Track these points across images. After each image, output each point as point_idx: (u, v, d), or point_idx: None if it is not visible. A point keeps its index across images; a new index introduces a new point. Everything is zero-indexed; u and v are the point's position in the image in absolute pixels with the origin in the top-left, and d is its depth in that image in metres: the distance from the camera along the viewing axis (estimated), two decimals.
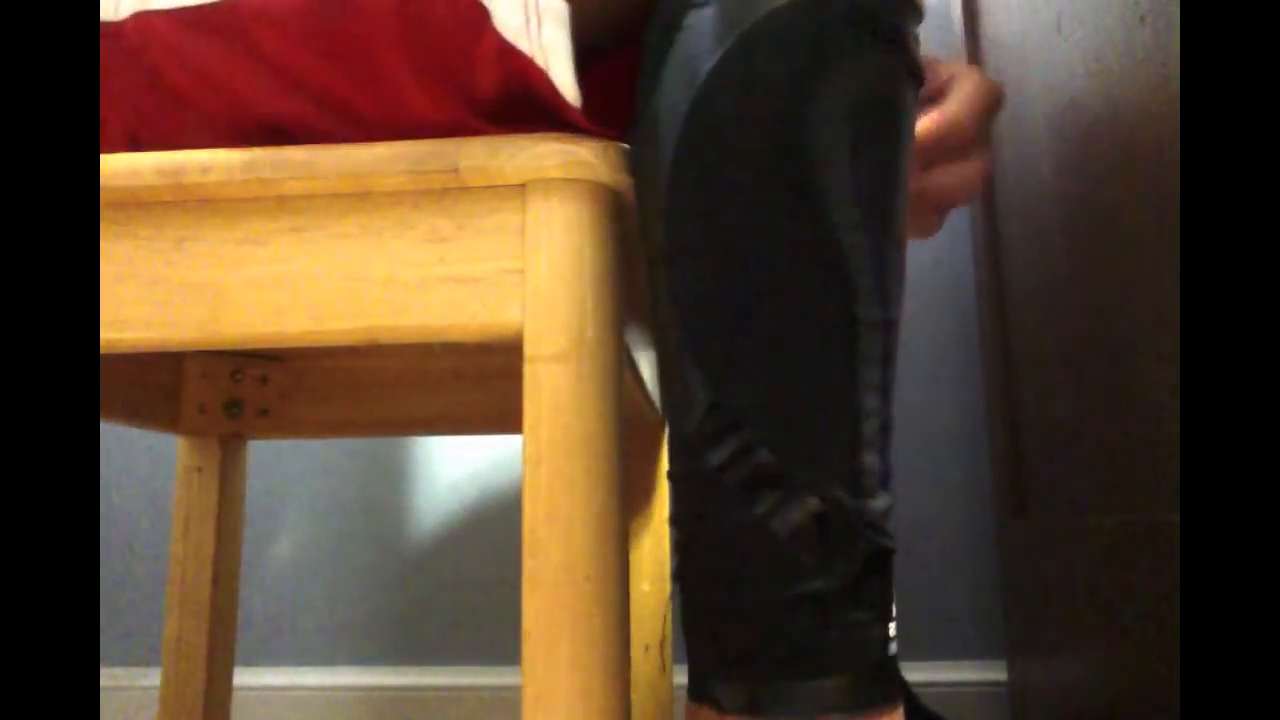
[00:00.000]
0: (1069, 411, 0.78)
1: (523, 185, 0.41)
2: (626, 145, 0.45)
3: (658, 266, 0.43)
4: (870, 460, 0.42)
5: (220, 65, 0.43)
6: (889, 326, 0.43)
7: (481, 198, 0.41)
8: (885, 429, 0.43)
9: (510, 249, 0.40)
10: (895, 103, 0.43)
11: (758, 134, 0.40)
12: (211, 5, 0.43)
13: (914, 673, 1.02)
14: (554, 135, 0.40)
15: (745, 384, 0.41)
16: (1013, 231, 0.94)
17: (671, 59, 0.42)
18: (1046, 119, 0.82)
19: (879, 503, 0.42)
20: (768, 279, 0.40)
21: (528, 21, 0.41)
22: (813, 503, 0.40)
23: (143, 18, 0.44)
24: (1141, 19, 0.62)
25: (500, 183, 0.40)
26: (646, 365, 0.68)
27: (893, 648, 0.41)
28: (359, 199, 0.41)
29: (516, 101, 0.42)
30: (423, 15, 0.42)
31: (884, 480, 0.43)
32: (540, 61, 0.41)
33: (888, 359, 0.43)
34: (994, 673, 1.02)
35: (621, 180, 0.41)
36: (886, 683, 0.40)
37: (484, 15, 0.41)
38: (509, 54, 0.41)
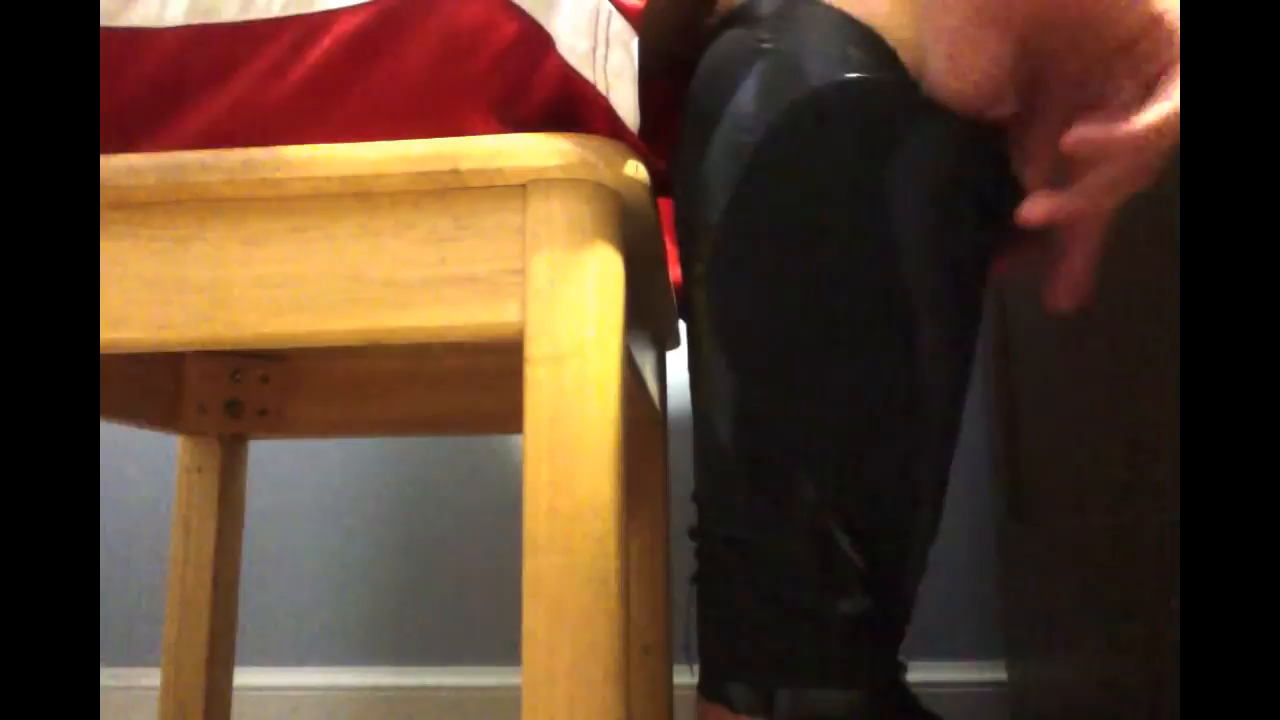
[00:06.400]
0: (1069, 412, 0.78)
1: (523, 185, 0.41)
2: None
3: (697, 290, 0.43)
4: (922, 516, 0.42)
5: (275, 83, 0.43)
6: (955, 399, 0.43)
7: (482, 198, 0.41)
8: (942, 483, 0.44)
9: (510, 249, 0.40)
10: (977, 184, 0.42)
11: (822, 194, 0.41)
12: (273, 21, 0.43)
13: (914, 673, 1.02)
14: (555, 135, 0.40)
15: (792, 416, 0.41)
16: None
17: (723, 113, 0.42)
18: None
19: (917, 551, 0.43)
20: (829, 327, 0.41)
21: (595, 49, 0.41)
22: (846, 542, 0.40)
23: (197, 29, 0.43)
24: None
25: (500, 183, 0.40)
26: (647, 365, 0.68)
27: (903, 671, 0.42)
28: (359, 199, 0.41)
29: (569, 126, 0.43)
30: (489, 42, 0.41)
31: (929, 535, 0.43)
32: (603, 88, 0.41)
33: (950, 428, 0.43)
34: (994, 673, 1.02)
35: (623, 180, 0.41)
36: (894, 704, 0.41)
37: (547, 40, 0.41)
38: (570, 79, 0.41)
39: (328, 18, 0.42)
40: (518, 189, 0.41)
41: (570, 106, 0.42)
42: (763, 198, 0.41)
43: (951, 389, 0.43)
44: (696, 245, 0.44)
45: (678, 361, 1.11)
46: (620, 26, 0.42)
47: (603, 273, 0.40)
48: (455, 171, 0.40)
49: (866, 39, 0.41)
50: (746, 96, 0.42)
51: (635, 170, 0.42)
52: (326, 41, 0.42)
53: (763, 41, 0.42)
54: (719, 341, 0.42)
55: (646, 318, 0.66)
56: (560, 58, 0.41)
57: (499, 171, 0.40)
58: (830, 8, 0.42)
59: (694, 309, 0.45)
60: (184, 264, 0.41)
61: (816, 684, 0.40)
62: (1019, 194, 0.43)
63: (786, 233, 0.41)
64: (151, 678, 1.11)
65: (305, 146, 0.41)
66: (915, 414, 0.41)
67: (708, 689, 0.43)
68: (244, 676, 1.09)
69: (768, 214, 0.41)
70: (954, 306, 0.42)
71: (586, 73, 0.41)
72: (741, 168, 0.41)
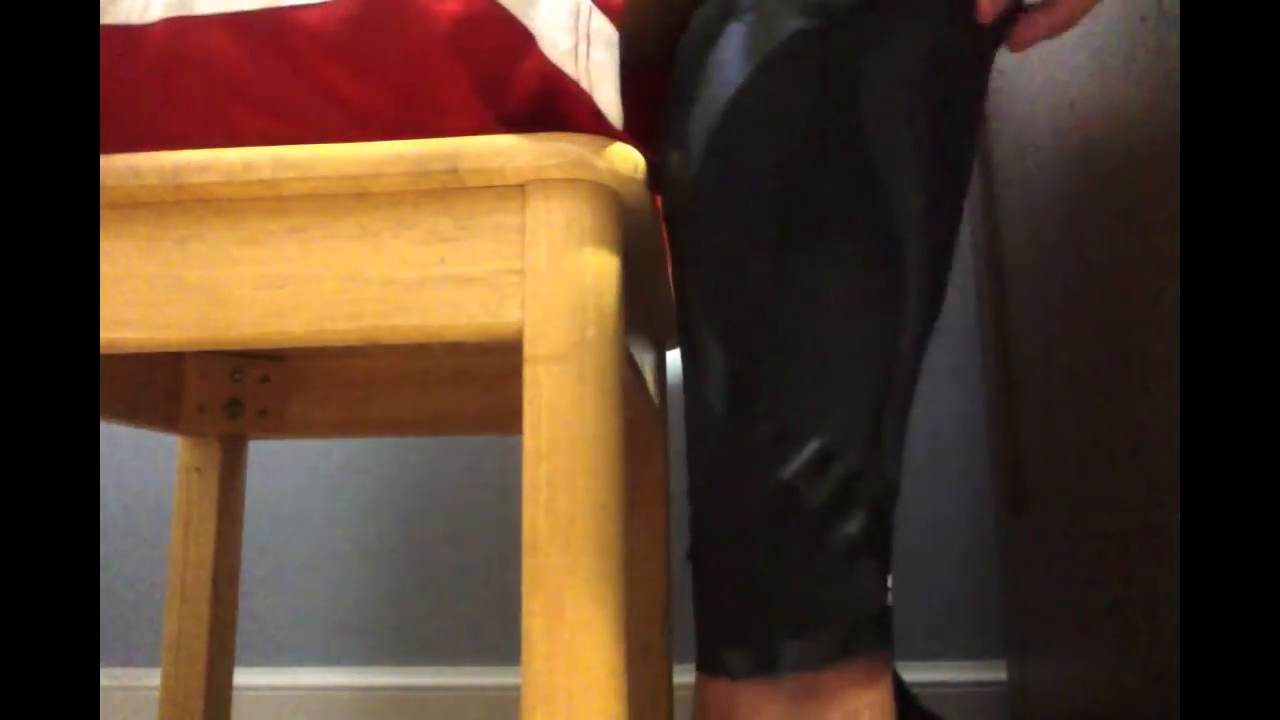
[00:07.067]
0: (1069, 411, 0.78)
1: (523, 185, 0.41)
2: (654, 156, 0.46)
3: (682, 253, 0.44)
4: (892, 422, 0.43)
5: (257, 76, 0.43)
6: (933, 301, 0.44)
7: (481, 198, 0.41)
8: (910, 390, 0.45)
9: (510, 249, 0.40)
10: (954, 92, 0.44)
11: (788, 144, 0.42)
12: (251, 13, 0.43)
13: (914, 673, 1.02)
14: (554, 135, 0.40)
15: (766, 353, 0.42)
16: (1012, 231, 0.94)
17: (703, 73, 0.43)
18: (1047, 118, 0.82)
19: (893, 460, 0.43)
20: (804, 271, 0.42)
21: (576, 46, 0.41)
22: (840, 467, 0.41)
23: (175, 23, 0.43)
24: (1142, 18, 0.62)
25: (500, 183, 0.40)
26: (647, 365, 0.68)
27: (889, 598, 0.43)
28: (359, 199, 0.41)
29: (554, 124, 0.43)
30: (468, 38, 0.42)
31: (899, 440, 0.44)
32: (585, 85, 0.41)
33: (921, 342, 0.44)
34: (994, 673, 1.02)
35: (622, 180, 0.41)
36: (885, 629, 0.42)
37: (528, 38, 0.41)
38: (552, 76, 0.41)
39: (306, 13, 0.42)
40: (516, 189, 0.41)
41: (554, 103, 0.42)
42: (736, 152, 0.43)
43: (929, 308, 0.44)
44: (676, 206, 0.45)
45: (678, 361, 1.11)
46: (601, 23, 0.42)
47: (602, 272, 0.40)
48: (454, 171, 0.40)
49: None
50: (724, 57, 0.43)
51: (634, 169, 0.42)
52: (305, 38, 0.42)
53: (740, 9, 0.43)
54: (702, 306, 0.43)
55: (646, 317, 0.66)
56: (542, 55, 0.41)
57: (498, 171, 0.40)
58: None
59: (679, 280, 0.45)
60: (183, 264, 0.41)
61: (813, 628, 0.41)
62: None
63: (760, 187, 0.42)
64: (151, 678, 1.11)
65: (304, 146, 0.41)
66: (899, 343, 0.43)
67: (706, 665, 0.43)
68: (244, 676, 1.09)
69: (741, 170, 0.42)
70: (937, 223, 0.44)
71: (569, 70, 0.41)
72: (717, 118, 0.42)
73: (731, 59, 0.43)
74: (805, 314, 0.42)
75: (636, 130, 0.54)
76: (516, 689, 1.05)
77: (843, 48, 0.42)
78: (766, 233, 0.42)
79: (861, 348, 0.42)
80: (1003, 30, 0.46)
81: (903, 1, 0.42)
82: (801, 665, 0.41)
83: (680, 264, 0.46)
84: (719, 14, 0.44)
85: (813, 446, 0.41)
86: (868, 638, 0.41)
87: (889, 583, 0.44)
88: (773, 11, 0.43)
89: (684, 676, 1.04)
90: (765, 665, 0.41)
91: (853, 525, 0.41)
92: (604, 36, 0.42)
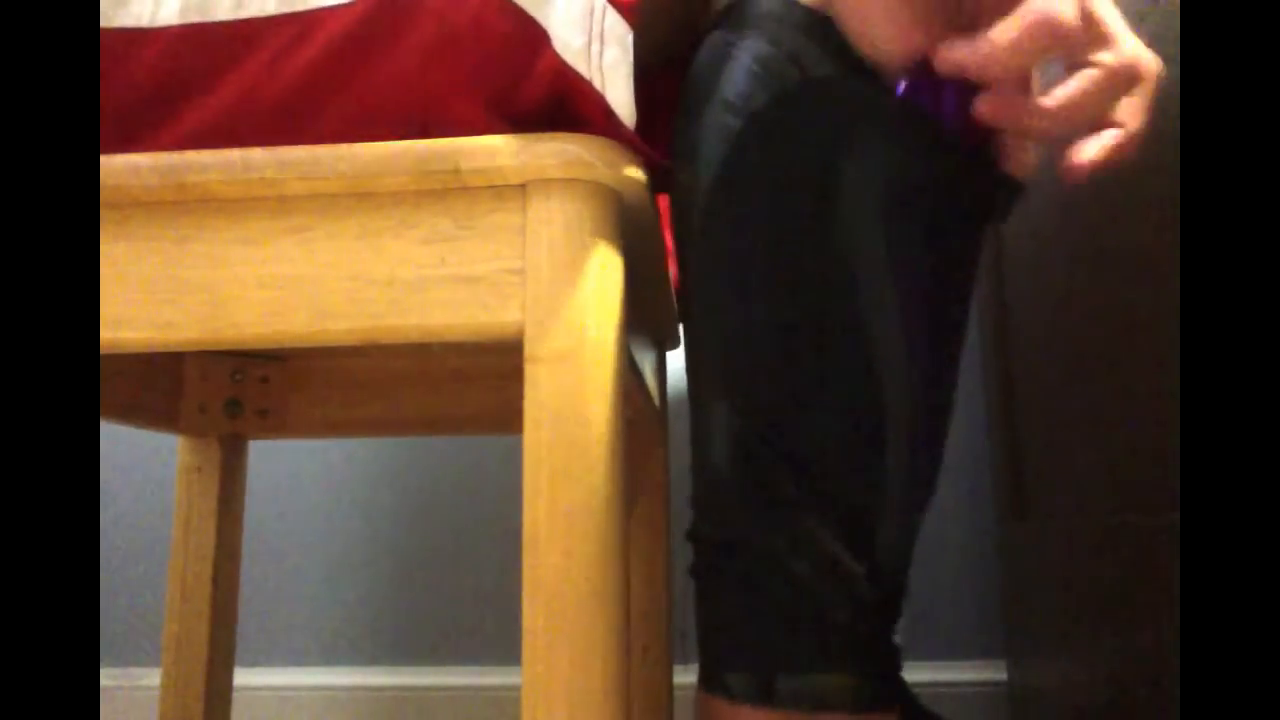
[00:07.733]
0: (1069, 412, 0.78)
1: (523, 185, 0.41)
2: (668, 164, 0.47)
3: (689, 289, 0.44)
4: (888, 527, 0.43)
5: (266, 79, 0.43)
6: (927, 388, 0.43)
7: (482, 198, 0.41)
8: (917, 495, 0.44)
9: (511, 249, 0.40)
10: (939, 196, 0.43)
11: (785, 180, 0.42)
12: (263, 18, 0.43)
13: (914, 673, 1.02)
14: (555, 135, 0.40)
15: (769, 415, 0.42)
16: (1012, 231, 0.94)
17: (715, 93, 0.43)
18: None
19: (893, 569, 0.43)
20: (786, 319, 0.42)
21: (590, 44, 0.41)
22: (825, 538, 0.41)
23: (191, 28, 0.43)
24: (1141, 18, 0.62)
25: (501, 183, 0.40)
26: (647, 365, 0.68)
27: (898, 652, 0.43)
28: (359, 199, 0.41)
29: (565, 123, 0.43)
30: (483, 39, 0.41)
31: (906, 551, 0.44)
32: (598, 84, 0.41)
33: (919, 410, 0.43)
34: (994, 673, 1.02)
35: (623, 180, 0.41)
36: (889, 685, 0.42)
37: (542, 38, 0.41)
38: (565, 75, 0.41)
39: (321, 15, 0.42)
40: (517, 189, 0.41)
41: (566, 103, 0.42)
42: (741, 180, 0.43)
43: (927, 381, 0.43)
44: (686, 244, 0.45)
45: (678, 361, 1.11)
46: (614, 22, 0.42)
47: (602, 272, 0.40)
48: (455, 171, 0.40)
49: (837, 37, 0.42)
50: (735, 82, 0.43)
51: (635, 170, 0.42)
52: (320, 39, 0.42)
53: (744, 39, 0.44)
54: (709, 346, 0.44)
55: (646, 317, 0.66)
56: (555, 54, 0.41)
57: (499, 171, 0.40)
58: (810, 10, 0.43)
59: (687, 311, 0.46)
60: (184, 264, 0.41)
61: (818, 668, 0.41)
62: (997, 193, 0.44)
63: (760, 217, 0.42)
64: (151, 678, 1.11)
65: (305, 147, 0.41)
66: (886, 406, 0.42)
67: (707, 682, 0.43)
68: (244, 676, 1.09)
69: (745, 199, 0.43)
70: (915, 306, 0.42)
71: (582, 69, 0.41)
72: (724, 145, 0.43)
73: (740, 85, 0.43)
74: (803, 377, 0.42)
75: (639, 132, 0.54)
76: (516, 689, 1.05)
77: (828, 115, 0.42)
78: (763, 267, 0.42)
79: (850, 415, 0.42)
80: (1002, 190, 0.44)
81: (873, 114, 0.42)
82: (800, 702, 0.41)
83: (689, 293, 0.46)
84: (724, 45, 0.44)
85: (804, 524, 0.41)
86: (867, 693, 0.41)
87: (896, 639, 0.43)
88: (773, 52, 0.43)
89: (684, 676, 1.04)
90: (764, 694, 0.41)
91: (850, 593, 0.41)
92: (617, 35, 0.42)
